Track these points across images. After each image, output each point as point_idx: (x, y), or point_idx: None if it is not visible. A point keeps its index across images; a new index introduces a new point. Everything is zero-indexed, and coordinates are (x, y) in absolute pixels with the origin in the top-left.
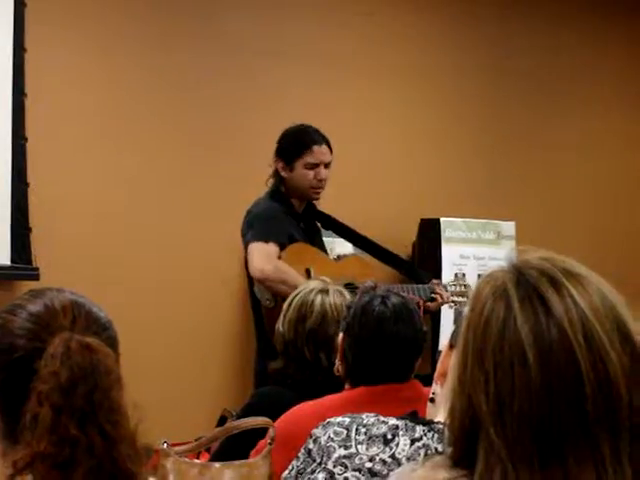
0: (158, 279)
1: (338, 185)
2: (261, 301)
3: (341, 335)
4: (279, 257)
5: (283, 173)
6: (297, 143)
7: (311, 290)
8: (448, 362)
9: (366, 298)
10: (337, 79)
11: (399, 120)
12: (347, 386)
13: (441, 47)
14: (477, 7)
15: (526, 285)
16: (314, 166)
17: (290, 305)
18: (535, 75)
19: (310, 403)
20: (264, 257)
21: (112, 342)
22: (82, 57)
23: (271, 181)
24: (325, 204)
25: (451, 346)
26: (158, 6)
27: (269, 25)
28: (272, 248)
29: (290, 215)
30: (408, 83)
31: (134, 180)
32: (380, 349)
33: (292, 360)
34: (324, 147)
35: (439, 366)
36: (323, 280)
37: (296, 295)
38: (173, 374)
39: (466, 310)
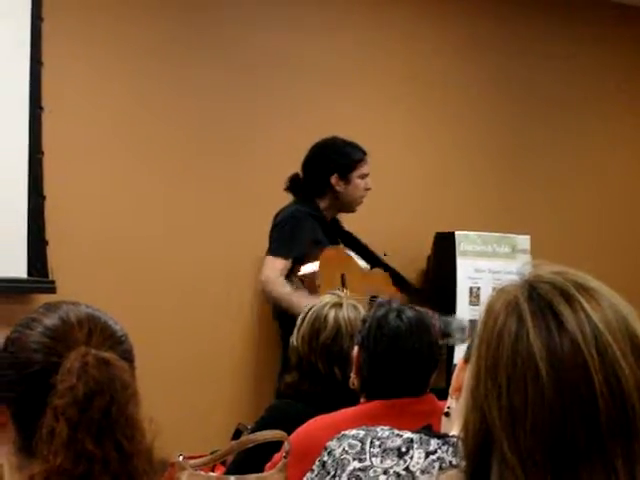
0: (174, 292)
1: None
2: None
3: (356, 349)
4: (314, 259)
5: (338, 187)
6: (352, 156)
7: (325, 304)
8: (463, 376)
9: (381, 312)
10: (350, 93)
11: (413, 134)
12: (362, 399)
13: (455, 61)
14: (495, 21)
15: (538, 299)
16: (365, 176)
17: (304, 319)
18: (549, 87)
19: (325, 416)
20: (270, 267)
21: (128, 356)
22: (98, 71)
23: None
24: (341, 217)
25: (466, 360)
26: (176, 20)
27: (283, 41)
28: (282, 264)
29: (317, 220)
30: (422, 98)
31: (151, 194)
32: (395, 363)
33: (306, 374)
34: (367, 157)
35: (454, 380)
36: (337, 294)
37: (310, 309)
38: (189, 387)
39: (478, 325)
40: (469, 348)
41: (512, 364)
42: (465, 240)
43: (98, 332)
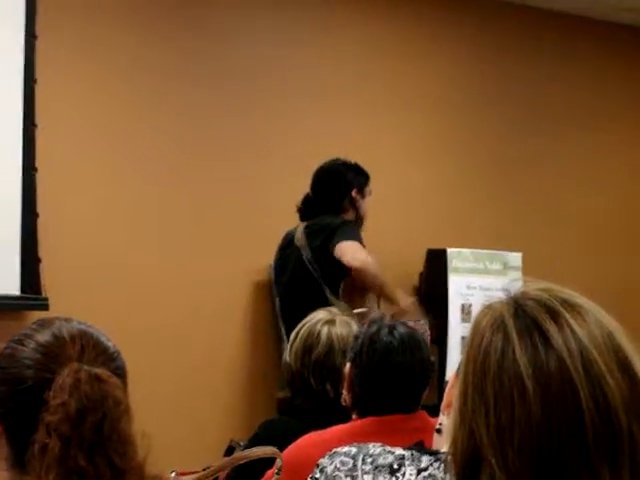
0: (168, 308)
1: None
2: None
3: (348, 365)
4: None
5: (359, 201)
6: (364, 174)
7: (318, 321)
8: (455, 393)
9: (374, 328)
10: (343, 107)
11: (405, 151)
12: (354, 416)
13: (447, 80)
14: (485, 43)
15: (524, 316)
16: (370, 193)
17: (297, 336)
18: (542, 107)
19: (317, 433)
20: (363, 250)
21: (120, 372)
22: (92, 88)
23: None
24: None
25: (458, 376)
26: (170, 37)
27: (280, 60)
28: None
29: None
30: (415, 116)
31: (145, 212)
32: (387, 379)
33: (299, 390)
34: None
35: (446, 396)
36: (330, 311)
37: (303, 326)
38: (182, 404)
39: (466, 342)
40: (461, 365)
41: (499, 381)
42: (457, 257)
43: (90, 348)
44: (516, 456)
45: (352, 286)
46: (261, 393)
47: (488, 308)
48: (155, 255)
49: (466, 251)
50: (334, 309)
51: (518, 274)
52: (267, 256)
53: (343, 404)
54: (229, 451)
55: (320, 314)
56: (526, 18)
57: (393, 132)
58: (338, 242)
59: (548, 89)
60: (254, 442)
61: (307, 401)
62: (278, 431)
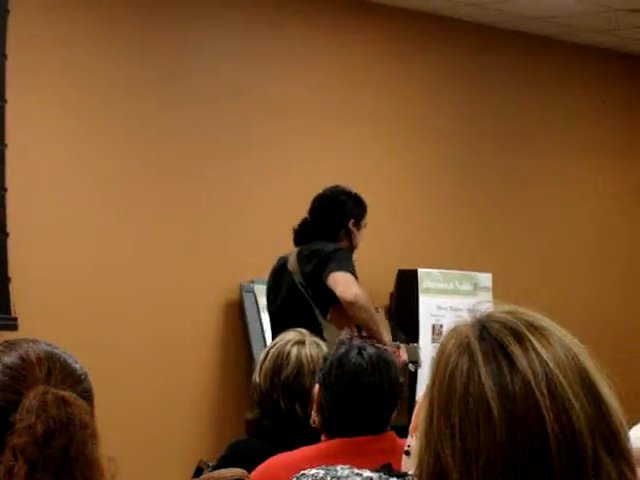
0: (137, 329)
1: None
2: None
3: (317, 386)
4: None
5: (354, 231)
6: (363, 204)
7: (287, 341)
8: (421, 415)
9: (342, 349)
10: (311, 130)
11: (376, 172)
12: (323, 437)
13: (422, 104)
14: (454, 55)
15: (489, 339)
16: (366, 224)
17: (266, 356)
18: (513, 130)
19: (285, 454)
20: (355, 284)
21: (87, 395)
22: (62, 108)
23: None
24: None
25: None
26: (144, 56)
27: (257, 79)
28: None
29: None
30: (384, 137)
31: (115, 233)
32: (356, 401)
33: (268, 411)
34: None
35: (414, 418)
36: (300, 331)
37: (272, 346)
38: (151, 423)
39: (432, 365)
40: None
41: (464, 404)
42: (427, 277)
43: (57, 371)
44: (482, 479)
45: (340, 311)
46: (231, 413)
47: (454, 331)
48: (125, 275)
49: (436, 272)
50: (304, 330)
51: (488, 294)
52: (237, 276)
53: (312, 425)
54: (198, 472)
55: (290, 335)
56: (495, 40)
57: (367, 154)
58: (331, 271)
59: (517, 115)
60: (222, 463)
61: (275, 422)
62: (246, 452)
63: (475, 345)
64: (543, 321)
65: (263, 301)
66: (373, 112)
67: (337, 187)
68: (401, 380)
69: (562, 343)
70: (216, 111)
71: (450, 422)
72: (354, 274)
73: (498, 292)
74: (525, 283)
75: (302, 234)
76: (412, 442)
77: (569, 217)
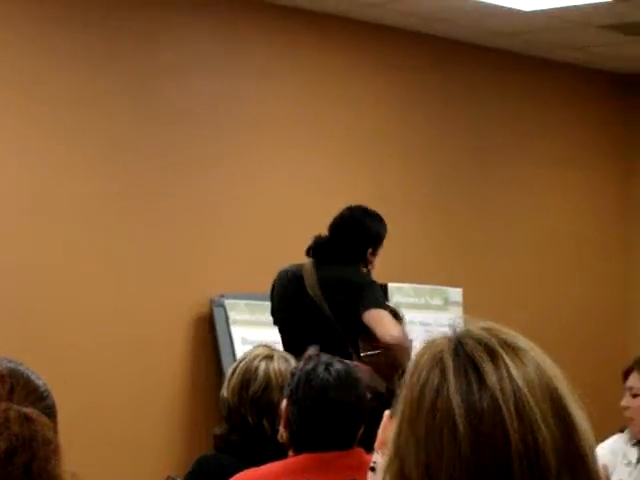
0: (105, 343)
1: (277, 257)
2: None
3: (285, 402)
4: None
5: (370, 259)
6: (383, 233)
7: (256, 356)
8: (389, 431)
9: (310, 365)
10: (287, 142)
11: (341, 185)
12: (291, 453)
13: (383, 117)
14: (428, 70)
15: (463, 354)
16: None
17: (234, 371)
18: (483, 144)
19: (253, 470)
20: (396, 325)
21: (50, 411)
22: (23, 121)
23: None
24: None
25: (392, 416)
26: (112, 70)
27: (230, 93)
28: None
29: None
30: (352, 149)
31: (83, 243)
32: (323, 416)
33: (235, 426)
34: None
35: (380, 434)
36: (268, 346)
37: (241, 361)
38: (118, 438)
39: (406, 375)
40: (396, 403)
41: (431, 418)
42: (398, 292)
43: (20, 387)
44: None
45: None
46: (200, 427)
47: (430, 343)
48: (94, 289)
49: (407, 286)
50: (274, 345)
51: (459, 309)
52: (207, 290)
53: (280, 440)
54: None
55: (259, 350)
56: (469, 56)
57: (340, 169)
58: (368, 308)
59: (490, 128)
60: (190, 478)
61: (243, 437)
62: (213, 467)
63: (448, 360)
64: (521, 342)
65: (233, 315)
66: (348, 126)
67: (363, 209)
68: (369, 396)
69: (537, 365)
70: (187, 125)
71: (416, 434)
72: (386, 308)
73: (468, 306)
74: (496, 298)
75: (319, 252)
76: (378, 458)
77: (541, 230)
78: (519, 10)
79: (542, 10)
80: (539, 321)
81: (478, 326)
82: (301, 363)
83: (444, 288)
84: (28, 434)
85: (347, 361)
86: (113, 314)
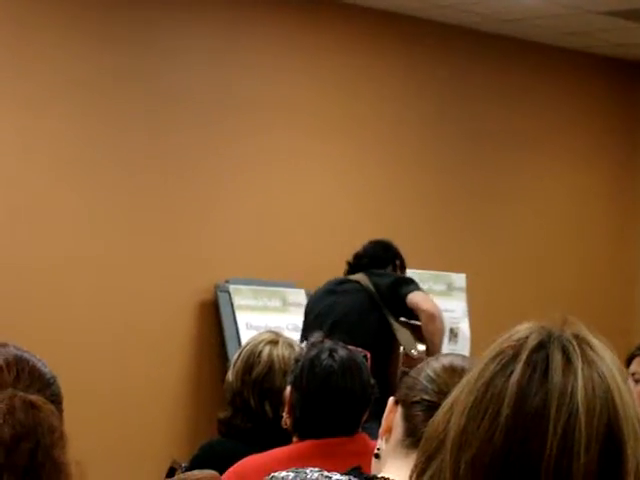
0: (110, 329)
1: (281, 243)
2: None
3: (289, 388)
4: None
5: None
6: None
7: (260, 341)
8: (393, 417)
9: (314, 351)
10: (282, 129)
11: (346, 172)
12: (295, 439)
13: (390, 101)
14: (430, 56)
15: (543, 352)
16: None
17: (239, 355)
18: (485, 128)
19: (257, 456)
20: (432, 299)
21: (56, 398)
22: (20, 105)
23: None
24: (272, 259)
25: (396, 402)
26: (107, 52)
27: (230, 77)
28: None
29: None
30: (356, 137)
31: (86, 229)
32: (327, 403)
33: (239, 410)
34: None
35: (384, 421)
36: (274, 332)
37: (246, 346)
38: (123, 424)
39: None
40: (400, 390)
41: (483, 391)
42: None
43: (26, 375)
44: (466, 471)
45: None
46: (205, 412)
47: (521, 330)
48: (99, 276)
49: (410, 272)
50: (279, 331)
51: (462, 295)
52: (212, 276)
53: (284, 427)
54: (171, 472)
55: (264, 335)
56: (473, 42)
57: (342, 154)
58: (409, 292)
59: (493, 115)
60: (195, 463)
61: (246, 421)
62: (218, 452)
63: (527, 348)
64: (606, 358)
65: (238, 301)
66: (350, 112)
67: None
68: (372, 382)
69: (606, 382)
70: (191, 110)
71: (467, 399)
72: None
73: (472, 292)
74: (499, 283)
75: (356, 265)
76: (382, 445)
77: (545, 215)
78: None
79: None
80: (542, 305)
81: (574, 330)
82: (305, 349)
83: (447, 274)
84: (33, 421)
85: (351, 347)
86: (118, 300)
